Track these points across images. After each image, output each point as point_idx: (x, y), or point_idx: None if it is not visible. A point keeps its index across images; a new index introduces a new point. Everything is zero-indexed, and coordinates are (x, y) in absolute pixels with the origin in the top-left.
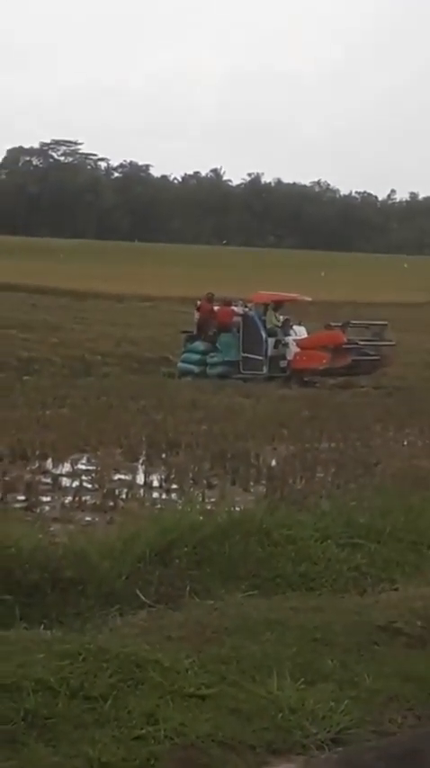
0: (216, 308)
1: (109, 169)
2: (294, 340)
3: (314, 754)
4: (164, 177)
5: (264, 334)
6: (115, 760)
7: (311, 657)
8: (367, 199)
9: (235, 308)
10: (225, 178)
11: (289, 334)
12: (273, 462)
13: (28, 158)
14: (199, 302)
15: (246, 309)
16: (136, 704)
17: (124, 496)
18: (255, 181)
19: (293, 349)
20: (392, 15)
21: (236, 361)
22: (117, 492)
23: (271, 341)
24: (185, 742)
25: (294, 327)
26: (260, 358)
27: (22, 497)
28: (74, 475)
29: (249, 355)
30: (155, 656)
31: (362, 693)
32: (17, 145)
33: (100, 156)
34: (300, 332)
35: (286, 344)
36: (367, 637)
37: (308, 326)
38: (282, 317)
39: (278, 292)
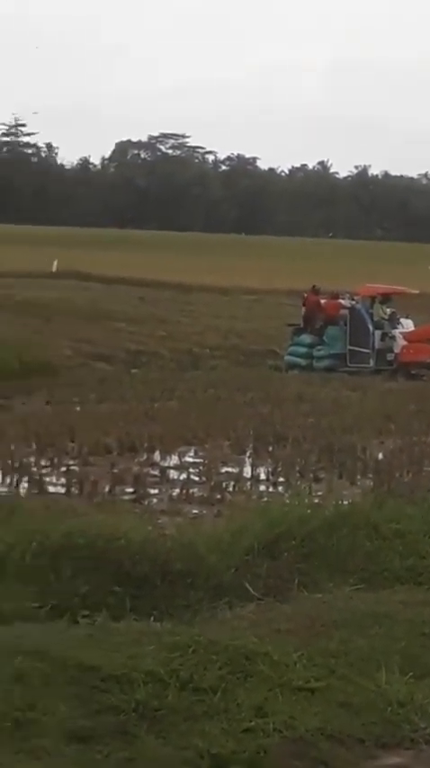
0: (323, 300)
1: (216, 162)
2: (401, 333)
3: (423, 749)
4: (271, 170)
5: (370, 327)
6: (225, 752)
7: (420, 651)
8: None
9: (342, 301)
10: (332, 170)
11: (396, 327)
12: (380, 455)
13: (136, 151)
14: (305, 295)
15: (353, 302)
16: (245, 697)
17: (231, 489)
18: (361, 173)
19: (400, 342)
20: None
21: (342, 354)
22: (224, 485)
23: (378, 334)
24: (294, 735)
25: (401, 320)
26: (367, 351)
27: (131, 489)
28: (181, 467)
29: (356, 348)
30: (264, 648)
31: None
32: (125, 138)
33: (207, 148)
34: (407, 325)
35: (393, 337)
36: None
37: (414, 320)
38: (389, 310)
39: (385, 285)
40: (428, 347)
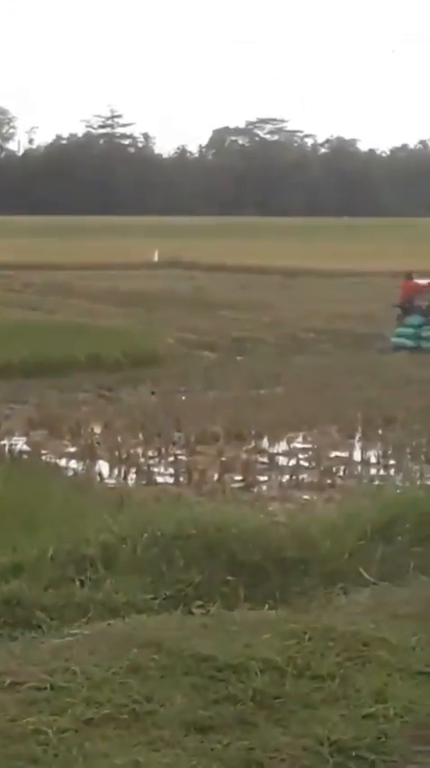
0: (422, 282)
1: (316, 145)
2: None
3: None
4: (371, 151)
5: None
6: (346, 738)
7: None
8: None
9: (416, 281)
10: None
11: None
12: None
13: (234, 138)
14: (402, 281)
15: None
16: (364, 683)
17: (342, 474)
18: None
19: None
20: None
21: None
22: (334, 470)
23: None
24: (416, 720)
25: None
26: None
27: (240, 477)
28: (290, 453)
29: None
30: (381, 633)
31: None
32: (223, 125)
33: (306, 132)
34: None
35: None
36: None
37: None
38: None
39: None
40: None
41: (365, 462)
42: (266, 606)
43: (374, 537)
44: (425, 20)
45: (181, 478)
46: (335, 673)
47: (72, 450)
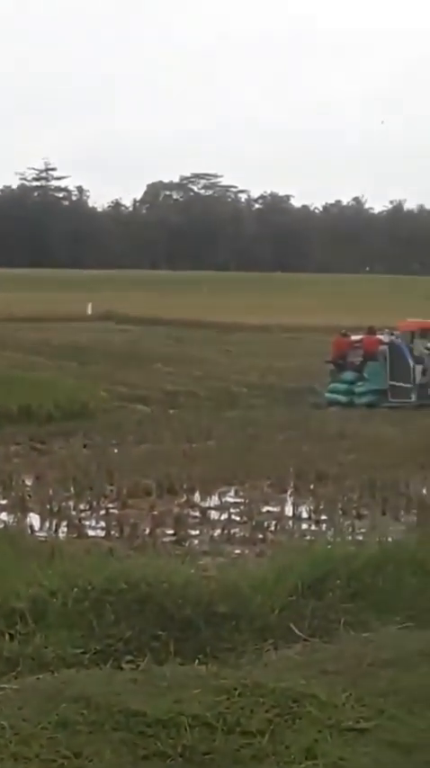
0: (356, 337)
1: (250, 200)
2: None
3: None
4: (305, 207)
5: (411, 362)
6: None
7: None
8: None
9: (381, 337)
10: (367, 206)
11: None
12: (424, 491)
13: (168, 192)
14: (335, 338)
15: (392, 337)
16: (294, 739)
17: (273, 528)
18: (397, 208)
19: None
20: None
21: (384, 390)
22: (266, 524)
23: (418, 368)
24: None
25: None
26: (408, 385)
27: (171, 531)
28: (222, 508)
29: (397, 383)
30: (311, 690)
31: None
32: (157, 179)
33: (240, 187)
34: None
35: None
36: None
37: None
38: (429, 344)
39: (424, 320)
40: None
41: (297, 517)
42: (196, 661)
43: (305, 592)
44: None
45: (112, 532)
46: (265, 729)
47: (3, 502)
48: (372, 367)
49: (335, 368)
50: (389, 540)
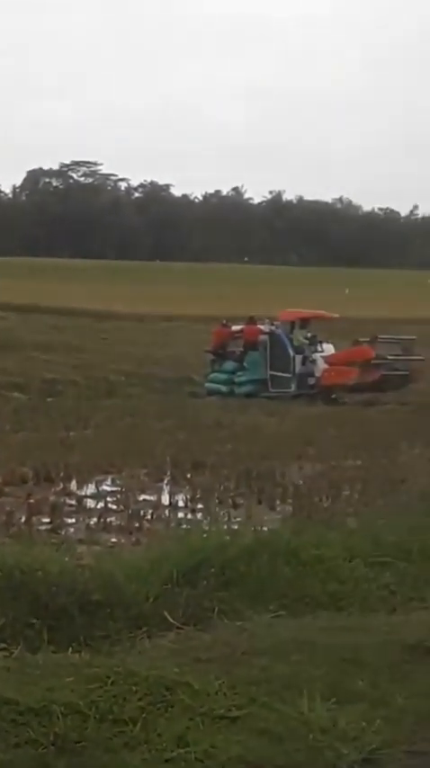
0: (236, 327)
1: (129, 189)
2: (322, 356)
3: None
4: (184, 196)
5: (291, 352)
6: None
7: (341, 677)
8: (390, 215)
9: (261, 327)
10: (246, 196)
11: (316, 351)
12: (299, 481)
13: (48, 180)
14: (225, 322)
15: (273, 327)
16: (166, 727)
17: (149, 517)
18: (276, 198)
19: (321, 365)
20: (420, 32)
21: (263, 380)
22: (142, 513)
23: (298, 358)
24: (216, 764)
25: (322, 345)
26: (288, 375)
27: (47, 520)
28: (99, 496)
29: (277, 373)
30: (184, 678)
31: (394, 713)
32: (36, 167)
33: (120, 176)
34: (327, 349)
35: (314, 361)
36: (397, 656)
37: (333, 344)
38: (308, 335)
39: (304, 310)
40: (350, 370)
41: (173, 506)
42: (70, 649)
43: (179, 581)
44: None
45: None
46: (137, 717)
47: None
48: (253, 357)
49: (215, 358)
50: (264, 529)
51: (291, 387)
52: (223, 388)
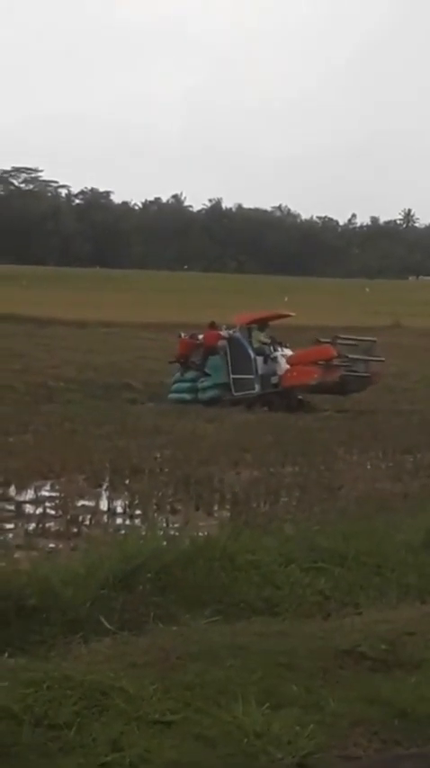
0: (200, 337)
1: (70, 196)
2: (283, 356)
3: None
4: (125, 203)
5: (251, 353)
6: None
7: (276, 682)
8: (328, 223)
9: (220, 332)
10: (186, 204)
11: (277, 350)
12: (237, 487)
13: None
14: (182, 335)
15: (231, 332)
16: (101, 731)
17: (88, 523)
18: (215, 206)
19: (283, 363)
20: (361, 40)
21: (226, 384)
22: (81, 518)
23: (259, 359)
24: None
25: (282, 347)
26: (250, 377)
27: None
28: (37, 502)
29: (239, 376)
30: (119, 682)
31: (328, 718)
32: None
33: (61, 183)
34: (287, 354)
35: (275, 359)
36: (332, 661)
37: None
38: (266, 336)
39: (259, 311)
40: (311, 369)
41: (112, 512)
42: (5, 654)
43: (116, 586)
44: (176, 75)
45: None
46: (72, 722)
47: None
48: (214, 361)
49: (180, 367)
50: (201, 535)
51: (254, 387)
52: (187, 396)
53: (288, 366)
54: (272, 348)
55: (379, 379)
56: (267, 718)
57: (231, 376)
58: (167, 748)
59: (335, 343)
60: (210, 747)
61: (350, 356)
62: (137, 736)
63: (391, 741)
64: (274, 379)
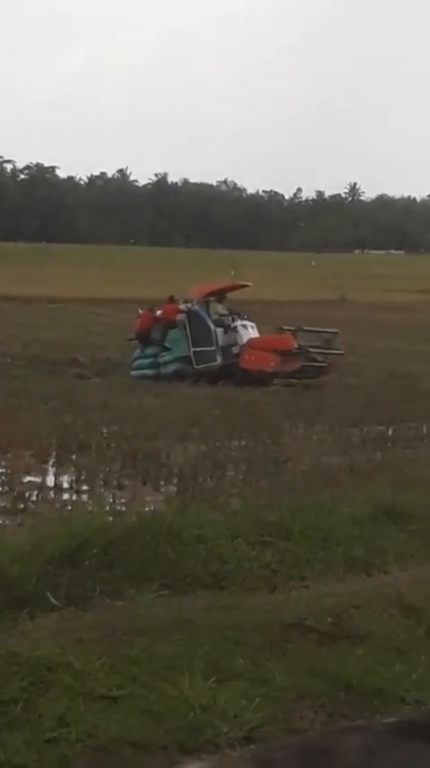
0: (159, 312)
1: (15, 171)
2: (244, 325)
3: (226, 753)
4: (70, 178)
5: (211, 325)
6: (26, 762)
7: (222, 656)
8: (274, 197)
9: (179, 306)
10: (131, 178)
11: (235, 321)
12: (184, 462)
13: None
14: (140, 312)
15: (189, 305)
16: (47, 707)
17: (35, 499)
18: (161, 181)
19: (244, 334)
20: (304, 11)
21: (188, 357)
22: (27, 494)
23: (220, 330)
24: (97, 744)
25: (244, 319)
26: (211, 348)
27: None
28: None
29: (200, 348)
30: (66, 658)
31: (274, 691)
32: None
33: (5, 158)
34: (250, 326)
35: (235, 328)
36: (278, 634)
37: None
38: (224, 308)
39: (216, 283)
40: (270, 357)
41: (59, 487)
42: None
43: (63, 562)
44: (123, 47)
45: None
46: (18, 698)
47: None
48: (173, 335)
49: (140, 343)
50: (147, 510)
51: (216, 359)
52: (149, 372)
53: (251, 334)
54: (231, 319)
55: (334, 369)
56: (213, 691)
57: (192, 349)
58: (114, 723)
59: (298, 332)
60: (157, 722)
61: (310, 348)
62: (83, 711)
63: (337, 714)
64: (236, 349)
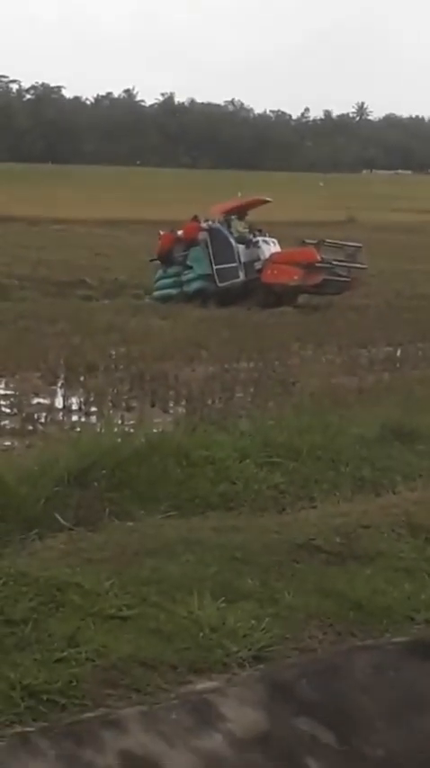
0: (180, 232)
1: (21, 91)
2: (265, 241)
3: (235, 672)
4: (76, 98)
5: (233, 242)
6: (37, 682)
7: (231, 576)
8: (281, 117)
9: (200, 224)
10: (138, 98)
11: (256, 236)
12: (192, 383)
13: None
14: (161, 233)
15: (210, 222)
16: (57, 627)
17: (43, 420)
18: (168, 101)
19: (266, 249)
20: None
21: (210, 275)
22: (36, 416)
23: (241, 247)
24: (107, 663)
25: (266, 235)
26: (234, 264)
27: None
28: None
29: (222, 265)
30: (75, 578)
31: (283, 611)
32: None
33: (11, 77)
34: (272, 242)
35: (257, 243)
36: (286, 555)
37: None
38: (245, 225)
39: (236, 200)
40: (293, 270)
41: (67, 409)
42: None
43: (71, 483)
44: None
45: None
46: (28, 618)
47: None
48: (195, 253)
49: (162, 264)
50: (156, 431)
51: (239, 276)
52: (173, 291)
53: (273, 249)
54: (252, 235)
55: (358, 284)
56: (223, 612)
57: (214, 266)
58: (123, 643)
59: (320, 246)
60: (166, 642)
61: (333, 261)
62: (93, 631)
63: (346, 633)
64: (258, 265)
